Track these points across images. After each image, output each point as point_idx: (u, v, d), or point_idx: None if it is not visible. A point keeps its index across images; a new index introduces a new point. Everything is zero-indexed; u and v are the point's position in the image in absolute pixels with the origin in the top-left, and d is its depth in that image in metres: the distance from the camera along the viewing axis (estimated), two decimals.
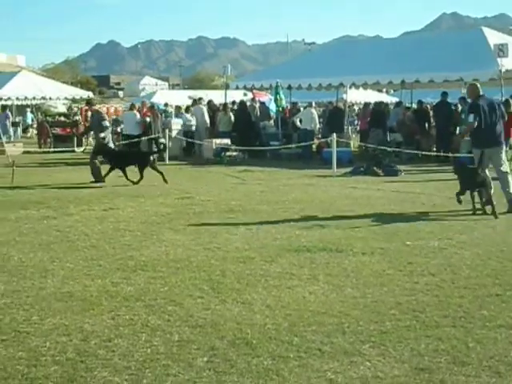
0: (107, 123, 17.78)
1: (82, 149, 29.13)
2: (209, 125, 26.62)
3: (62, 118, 31.45)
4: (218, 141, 24.40)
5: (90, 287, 7.22)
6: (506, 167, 12.27)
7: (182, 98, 47.80)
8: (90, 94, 48.41)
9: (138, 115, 24.42)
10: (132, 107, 25.67)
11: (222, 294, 6.95)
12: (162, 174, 16.48)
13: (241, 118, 25.46)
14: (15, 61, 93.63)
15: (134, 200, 13.70)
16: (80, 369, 5.08)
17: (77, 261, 8.43)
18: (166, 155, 23.08)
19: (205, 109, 27.22)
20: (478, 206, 11.77)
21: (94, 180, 16.73)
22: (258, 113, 27.34)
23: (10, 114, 34.55)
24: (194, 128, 26.09)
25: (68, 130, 30.01)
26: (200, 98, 29.31)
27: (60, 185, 16.43)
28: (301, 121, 25.49)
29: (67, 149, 27.66)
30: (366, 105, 29.92)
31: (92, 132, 18.63)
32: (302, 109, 29.33)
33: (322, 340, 5.63)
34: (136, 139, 23.65)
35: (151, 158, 17.30)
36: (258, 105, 28.10)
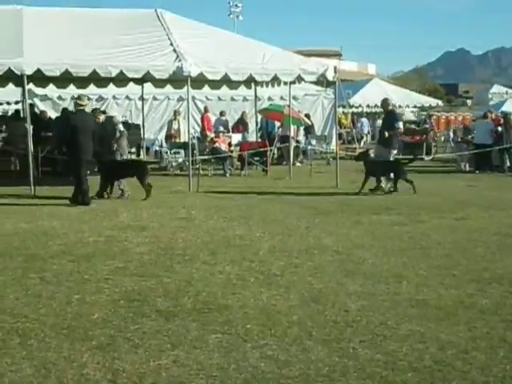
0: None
1: (430, 157, 29.07)
2: None
3: (412, 126, 31.67)
4: None
5: (445, 296, 7.12)
6: None
7: None
8: (440, 103, 48.31)
9: (492, 124, 23.68)
10: (485, 115, 24.95)
11: None
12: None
13: None
14: (366, 69, 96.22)
15: (485, 210, 13.31)
16: (437, 378, 5.01)
17: (430, 269, 8.37)
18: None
19: None
20: None
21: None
22: None
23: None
24: None
25: (417, 137, 30.14)
26: None
27: (410, 191, 16.54)
28: None
29: (417, 156, 27.75)
30: None
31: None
32: None
33: None
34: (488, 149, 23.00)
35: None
36: None
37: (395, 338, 5.82)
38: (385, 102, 17.51)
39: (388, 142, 16.61)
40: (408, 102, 42.56)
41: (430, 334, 5.92)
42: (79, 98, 15.21)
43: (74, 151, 14.50)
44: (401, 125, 17.21)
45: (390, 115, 17.13)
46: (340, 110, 33.31)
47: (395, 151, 17.04)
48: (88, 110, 15.57)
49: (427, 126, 32.25)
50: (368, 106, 42.33)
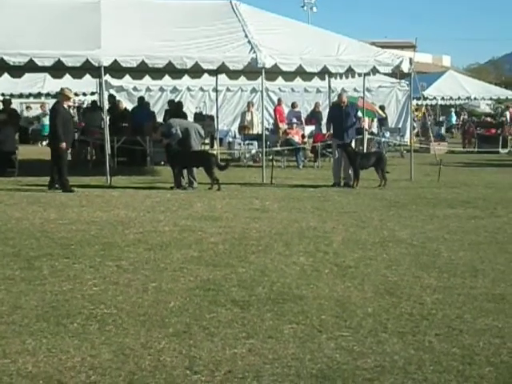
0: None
1: (506, 150, 28.52)
2: None
3: (488, 119, 31.11)
4: None
5: None
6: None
7: None
8: None
9: None
10: None
11: None
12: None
13: None
14: (440, 61, 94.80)
15: None
16: None
17: (507, 263, 8.23)
18: None
19: None
20: None
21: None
22: None
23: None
24: None
25: (493, 130, 29.61)
26: None
27: (485, 185, 16.28)
28: None
29: (491, 150, 27.31)
30: None
31: None
32: None
33: None
34: None
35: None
36: None
37: (472, 333, 5.74)
38: (341, 96, 16.88)
39: (350, 134, 16.49)
40: (484, 95, 41.72)
41: (508, 329, 5.81)
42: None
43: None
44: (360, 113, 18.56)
45: (349, 108, 16.58)
46: (414, 102, 32.89)
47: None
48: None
49: (504, 118, 31.55)
50: (442, 98, 41.69)
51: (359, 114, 17.48)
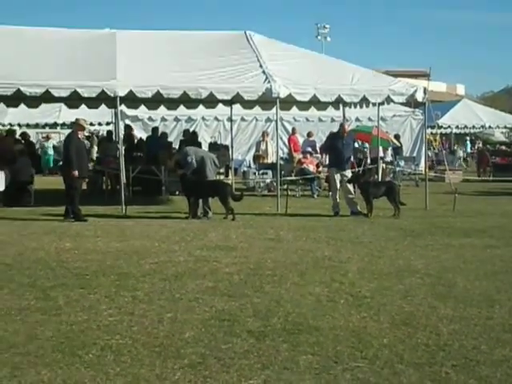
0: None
1: None
2: None
3: (503, 147, 31.04)
4: None
5: None
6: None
7: None
8: None
9: None
10: None
11: None
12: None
13: None
14: (454, 90, 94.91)
15: None
16: None
17: None
18: None
19: None
20: None
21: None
22: None
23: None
24: None
25: (508, 159, 29.53)
26: None
27: (501, 214, 16.20)
28: None
29: (507, 178, 27.15)
30: None
31: None
32: None
33: None
34: None
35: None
36: None
37: (489, 364, 5.69)
38: (344, 127, 17.03)
39: (349, 164, 16.83)
40: (498, 123, 41.67)
41: None
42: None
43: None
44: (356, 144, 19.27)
45: (349, 138, 16.85)
46: (428, 131, 32.89)
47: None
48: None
49: None
50: (457, 126, 41.70)
51: (356, 144, 17.71)
